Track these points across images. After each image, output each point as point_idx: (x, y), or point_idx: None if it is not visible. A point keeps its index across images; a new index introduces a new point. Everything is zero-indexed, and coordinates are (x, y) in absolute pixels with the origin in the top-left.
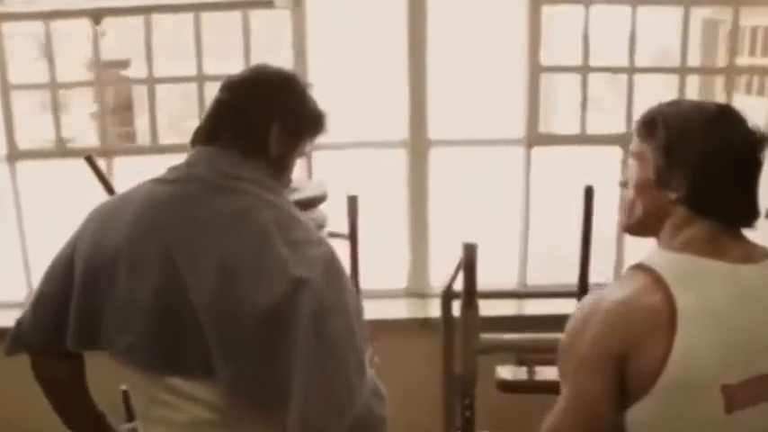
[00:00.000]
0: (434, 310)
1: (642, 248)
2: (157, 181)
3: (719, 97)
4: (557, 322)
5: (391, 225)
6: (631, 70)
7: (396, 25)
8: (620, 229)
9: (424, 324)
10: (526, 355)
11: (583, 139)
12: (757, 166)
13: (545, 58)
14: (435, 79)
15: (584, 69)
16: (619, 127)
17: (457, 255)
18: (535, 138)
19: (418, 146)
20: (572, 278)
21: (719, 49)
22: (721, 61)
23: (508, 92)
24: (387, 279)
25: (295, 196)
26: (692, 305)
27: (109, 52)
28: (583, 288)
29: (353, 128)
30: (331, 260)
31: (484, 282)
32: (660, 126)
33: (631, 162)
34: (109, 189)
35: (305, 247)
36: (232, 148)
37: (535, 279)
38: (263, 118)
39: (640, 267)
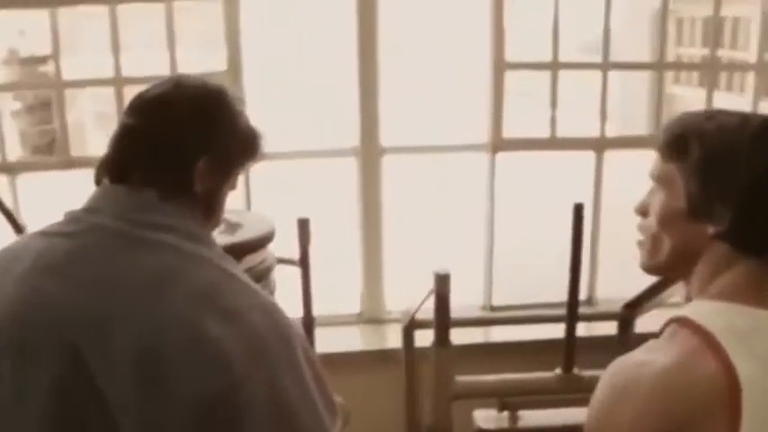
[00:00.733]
0: (393, 338)
1: (619, 264)
2: (49, 234)
3: (682, 91)
4: (532, 349)
5: (343, 243)
6: (606, 66)
7: (344, 22)
8: (642, 269)
9: (382, 357)
10: (509, 399)
11: (553, 143)
12: None
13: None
14: (390, 80)
15: (554, 66)
16: (591, 130)
17: (417, 275)
18: (499, 142)
19: (369, 153)
20: (544, 297)
21: (669, 40)
22: (671, 54)
23: (473, 93)
24: (340, 304)
25: (236, 237)
26: (756, 374)
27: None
28: (572, 313)
29: (300, 136)
30: (280, 329)
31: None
32: (694, 144)
33: (655, 187)
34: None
35: (247, 317)
36: (147, 188)
37: (499, 298)
38: (187, 149)
39: (685, 323)
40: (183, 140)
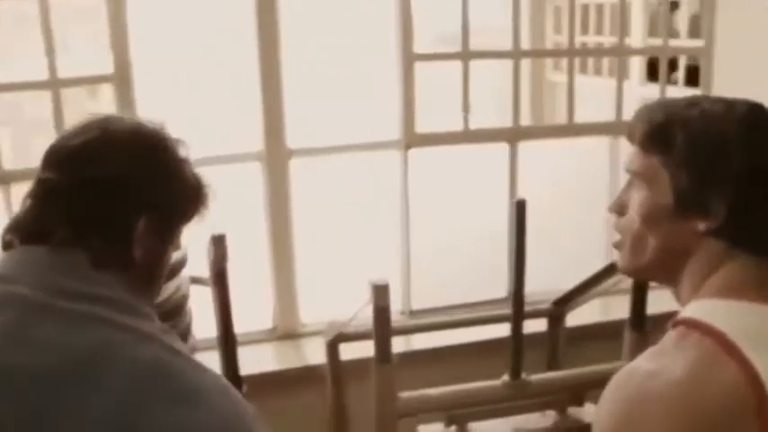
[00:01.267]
0: (313, 354)
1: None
2: None
3: (555, 77)
4: (468, 353)
5: (251, 254)
6: (517, 54)
7: (243, 18)
8: (622, 271)
9: (303, 375)
10: (456, 411)
11: (467, 136)
12: None
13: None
14: (296, 79)
15: (465, 56)
16: (504, 120)
17: (333, 284)
18: (412, 138)
19: (275, 157)
20: (460, 297)
21: (547, 27)
22: (549, 40)
23: (384, 89)
24: (249, 320)
25: None
26: None
27: None
28: (518, 314)
29: (201, 143)
30: (240, 413)
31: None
32: (680, 133)
33: (633, 182)
34: None
35: (204, 399)
36: (75, 250)
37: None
38: (123, 209)
39: (693, 324)
40: (118, 199)
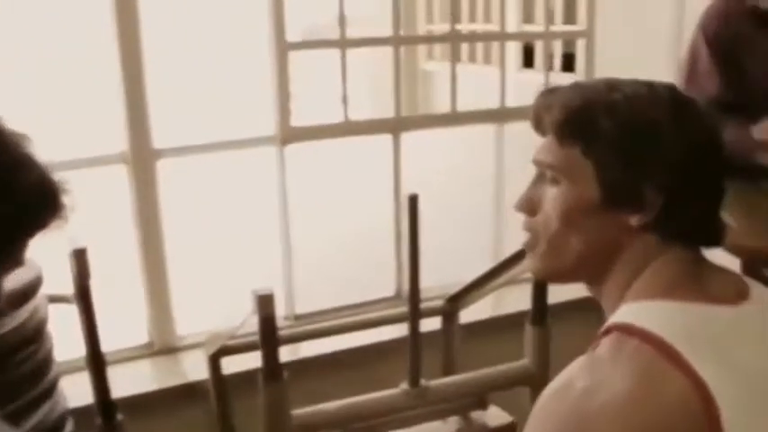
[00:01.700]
0: (193, 369)
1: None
2: None
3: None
4: (355, 359)
5: (119, 264)
6: (397, 41)
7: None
8: (538, 276)
9: (185, 393)
10: (354, 425)
11: (347, 128)
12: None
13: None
14: (161, 75)
15: (343, 44)
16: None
17: (212, 290)
18: (288, 133)
19: (141, 158)
20: (348, 298)
21: (418, 14)
22: (421, 28)
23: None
24: (121, 335)
25: None
26: (727, 384)
27: None
28: (415, 315)
29: (59, 146)
30: None
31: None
32: (605, 119)
33: (546, 177)
34: None
35: None
36: None
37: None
38: None
39: (628, 330)
40: None
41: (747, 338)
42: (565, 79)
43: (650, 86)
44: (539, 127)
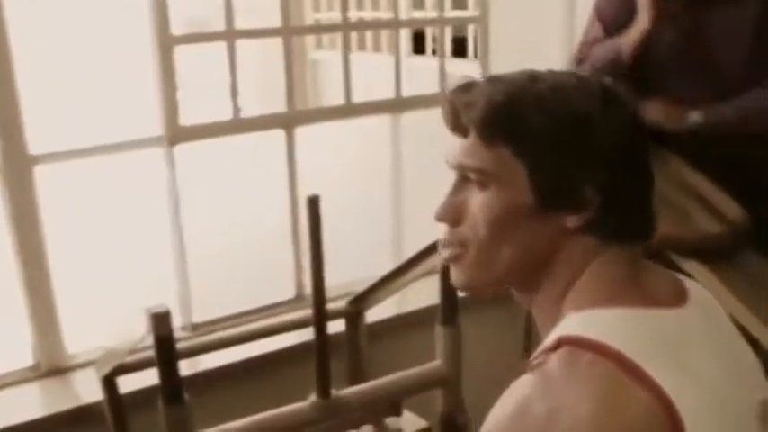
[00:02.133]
0: (87, 390)
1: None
2: None
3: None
4: (254, 369)
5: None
6: (288, 31)
7: None
8: (465, 289)
9: (77, 417)
10: None
11: (239, 126)
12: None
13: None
14: (36, 75)
15: (231, 35)
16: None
17: (103, 303)
18: (176, 132)
19: (14, 165)
20: (247, 302)
21: (305, 2)
22: (309, 20)
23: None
24: (11, 357)
25: None
26: (685, 392)
27: None
28: (320, 323)
29: None
30: None
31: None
32: (536, 115)
33: (471, 182)
34: None
35: None
36: None
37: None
38: None
39: (581, 344)
40: None
41: (697, 344)
42: (459, 65)
43: (574, 75)
44: (456, 127)
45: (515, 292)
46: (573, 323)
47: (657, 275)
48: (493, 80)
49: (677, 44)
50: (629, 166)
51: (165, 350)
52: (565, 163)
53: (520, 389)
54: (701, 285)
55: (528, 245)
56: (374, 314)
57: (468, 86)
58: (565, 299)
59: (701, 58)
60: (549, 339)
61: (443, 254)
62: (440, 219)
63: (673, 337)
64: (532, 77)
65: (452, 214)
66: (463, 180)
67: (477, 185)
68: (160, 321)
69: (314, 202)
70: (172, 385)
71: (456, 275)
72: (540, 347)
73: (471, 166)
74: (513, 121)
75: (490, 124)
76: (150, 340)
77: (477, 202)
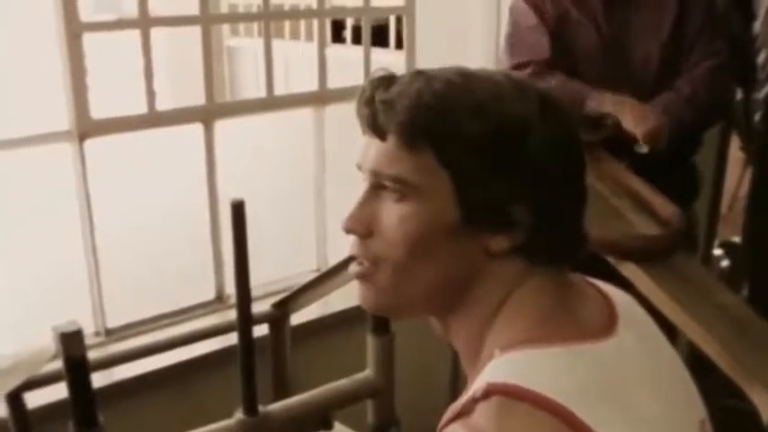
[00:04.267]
0: None
1: None
2: None
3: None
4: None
5: None
6: (206, 20)
7: None
8: (373, 311)
9: None
10: None
11: (154, 119)
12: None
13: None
14: None
15: (145, 23)
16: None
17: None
18: (87, 126)
19: None
20: (164, 304)
21: None
22: (225, 6)
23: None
24: None
25: None
26: None
27: None
28: (246, 333)
29: None
30: None
31: None
32: (466, 120)
33: (388, 191)
34: None
35: None
36: None
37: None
38: None
39: (517, 394)
40: None
41: (635, 379)
42: (381, 56)
43: (509, 77)
44: (374, 126)
45: (432, 320)
46: (502, 367)
47: (585, 300)
48: (417, 77)
49: (598, 42)
50: (564, 183)
51: (77, 373)
52: (497, 177)
53: None
54: (625, 295)
55: (447, 267)
56: (299, 315)
57: (389, 81)
58: (489, 330)
59: (619, 57)
60: (477, 386)
61: (352, 269)
62: (348, 230)
63: (611, 375)
64: (465, 77)
65: (363, 226)
66: (376, 188)
67: (393, 195)
68: (71, 341)
69: (238, 208)
70: (85, 410)
71: (364, 296)
72: (468, 394)
73: (388, 173)
74: (442, 124)
75: (415, 126)
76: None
77: (393, 214)
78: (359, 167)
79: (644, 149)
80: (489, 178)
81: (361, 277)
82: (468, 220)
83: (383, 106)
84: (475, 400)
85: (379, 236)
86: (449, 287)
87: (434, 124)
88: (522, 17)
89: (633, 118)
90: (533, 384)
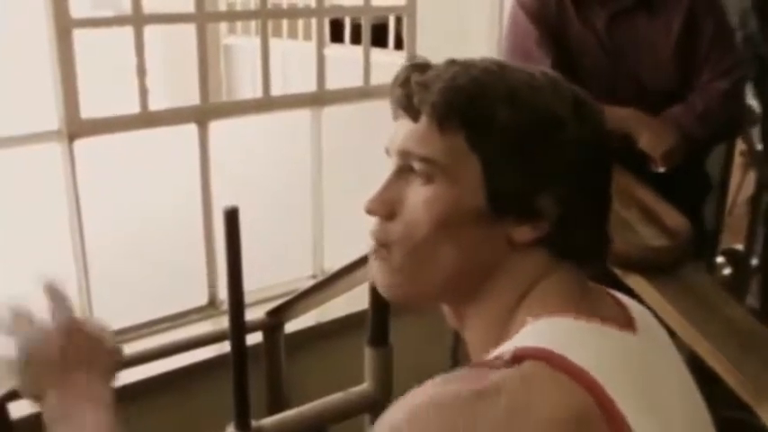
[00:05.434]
0: None
1: None
2: None
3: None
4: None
5: None
6: (201, 17)
7: None
8: (392, 297)
9: None
10: None
11: (147, 119)
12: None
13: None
14: None
15: (139, 20)
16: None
17: None
18: (77, 126)
19: None
20: (155, 309)
21: None
22: (223, 3)
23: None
24: None
25: None
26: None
27: None
28: (239, 344)
29: None
30: None
31: None
32: (500, 106)
33: (415, 173)
34: None
35: None
36: None
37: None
38: None
39: (550, 360)
40: None
41: (660, 375)
42: (381, 56)
43: (544, 74)
44: (407, 107)
45: (446, 309)
46: (533, 333)
47: (604, 298)
48: (452, 63)
49: (601, 58)
50: (591, 180)
51: None
52: (527, 166)
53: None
54: (642, 307)
55: (469, 253)
56: (294, 323)
57: (424, 66)
58: (510, 321)
59: (625, 68)
60: (504, 350)
61: (370, 249)
62: (370, 211)
63: (638, 365)
64: (502, 67)
65: (386, 208)
66: (403, 170)
67: (420, 178)
68: None
69: (231, 215)
70: None
71: (383, 280)
72: (493, 355)
73: (417, 153)
74: (476, 107)
75: (448, 107)
76: None
77: (419, 197)
78: (387, 152)
79: (660, 170)
80: (518, 166)
81: (379, 259)
82: (494, 208)
83: (418, 87)
84: (504, 362)
85: (401, 218)
86: (468, 274)
87: (468, 107)
88: (522, 27)
89: (650, 139)
90: (565, 351)
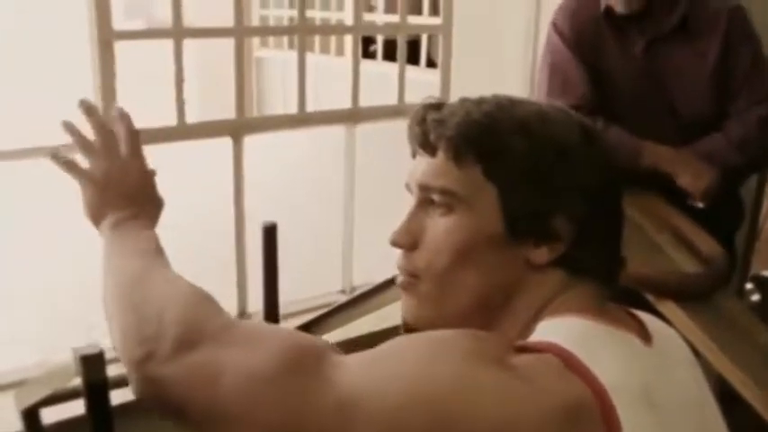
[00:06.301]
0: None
1: None
2: None
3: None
4: None
5: None
6: (240, 32)
7: None
8: (419, 324)
9: None
10: None
11: (185, 132)
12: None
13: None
14: None
15: (179, 33)
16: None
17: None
18: None
19: None
20: None
21: (251, 1)
22: (255, 17)
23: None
24: None
25: None
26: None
27: None
28: None
29: None
30: None
31: None
32: (513, 137)
33: (434, 205)
34: None
35: None
36: None
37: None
38: None
39: (567, 359)
40: None
41: (674, 389)
42: (415, 74)
43: (553, 107)
44: (424, 143)
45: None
46: (551, 329)
47: (622, 314)
48: (466, 101)
49: (638, 83)
50: (604, 202)
51: (97, 396)
52: (539, 192)
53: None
54: (662, 323)
55: (491, 277)
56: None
57: (439, 105)
58: (528, 331)
59: (661, 96)
60: (528, 341)
61: (398, 280)
62: (395, 243)
63: (652, 375)
64: (513, 101)
65: (409, 239)
66: (424, 203)
67: (440, 209)
68: (91, 364)
69: (269, 231)
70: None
71: (411, 309)
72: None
73: (436, 186)
74: (490, 139)
75: (464, 141)
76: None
77: (439, 227)
78: (407, 187)
79: (699, 205)
80: (533, 192)
81: (405, 288)
82: (512, 232)
83: (434, 124)
84: (515, 348)
85: (424, 248)
86: (491, 297)
87: (482, 140)
88: (559, 52)
89: (690, 177)
90: (580, 352)
